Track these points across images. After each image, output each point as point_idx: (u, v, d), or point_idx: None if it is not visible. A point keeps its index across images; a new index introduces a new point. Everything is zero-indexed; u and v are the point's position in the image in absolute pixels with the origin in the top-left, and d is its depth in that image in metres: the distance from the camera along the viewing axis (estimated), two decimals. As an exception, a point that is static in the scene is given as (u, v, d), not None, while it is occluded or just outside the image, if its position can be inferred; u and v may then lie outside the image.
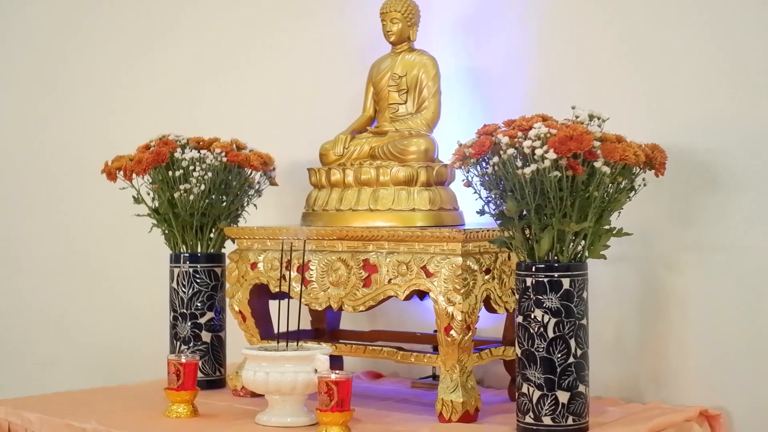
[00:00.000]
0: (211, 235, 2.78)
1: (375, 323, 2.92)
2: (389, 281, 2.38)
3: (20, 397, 2.69)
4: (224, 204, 2.76)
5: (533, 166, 2.03)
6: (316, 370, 2.22)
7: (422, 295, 2.59)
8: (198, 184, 2.67)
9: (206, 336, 2.76)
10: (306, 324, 2.77)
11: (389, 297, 2.41)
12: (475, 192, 2.17)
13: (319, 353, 2.28)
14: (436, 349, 2.46)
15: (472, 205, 2.28)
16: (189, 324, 2.76)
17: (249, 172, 2.79)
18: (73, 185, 3.65)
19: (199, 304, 2.76)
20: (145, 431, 2.24)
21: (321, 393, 2.14)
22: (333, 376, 2.15)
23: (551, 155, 2.01)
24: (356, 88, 2.77)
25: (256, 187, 2.83)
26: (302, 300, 2.49)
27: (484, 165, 2.13)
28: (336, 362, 2.53)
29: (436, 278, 2.30)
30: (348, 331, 2.84)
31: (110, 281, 3.55)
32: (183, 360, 2.42)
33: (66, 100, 3.71)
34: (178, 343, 2.76)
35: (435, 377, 2.73)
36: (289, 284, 2.50)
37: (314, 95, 3.10)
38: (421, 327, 2.77)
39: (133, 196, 2.79)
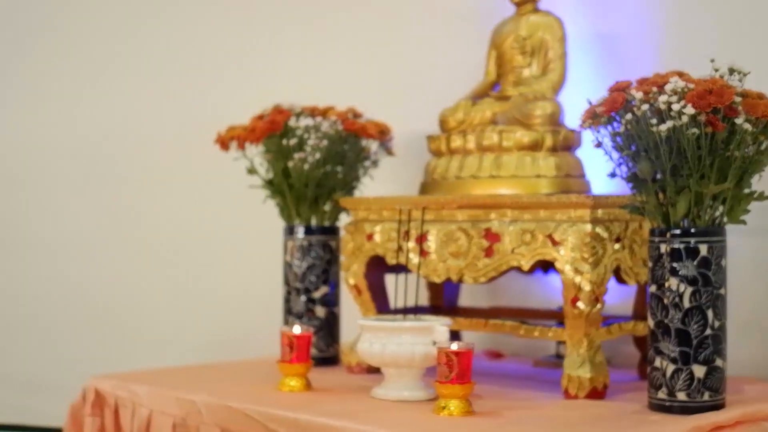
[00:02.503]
0: (326, 207, 2.69)
1: (496, 300, 2.81)
2: (512, 251, 2.26)
3: (128, 371, 2.63)
4: (339, 175, 2.67)
5: (669, 123, 1.90)
6: (434, 343, 2.11)
7: (546, 268, 2.48)
8: (313, 153, 2.59)
9: (320, 311, 2.68)
10: (424, 301, 2.68)
11: (512, 268, 2.29)
12: (606, 154, 2.04)
13: (438, 324, 2.18)
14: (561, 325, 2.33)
15: (599, 173, 2.16)
16: (303, 298, 2.68)
17: (365, 142, 2.69)
18: (187, 161, 3.60)
19: (313, 278, 2.67)
20: (257, 403, 2.15)
21: (440, 364, 2.03)
22: (453, 347, 2.03)
23: (689, 110, 1.88)
24: (477, 54, 2.65)
25: (373, 157, 2.73)
26: (420, 272, 2.39)
27: (615, 124, 2.00)
28: (454, 339, 2.42)
29: (563, 247, 2.18)
30: (467, 308, 2.73)
31: (222, 258, 3.49)
32: (296, 332, 2.34)
33: (175, 74, 3.66)
34: (292, 318, 2.68)
35: (559, 356, 2.61)
36: (407, 256, 2.40)
37: (433, 62, 2.98)
38: (544, 305, 2.65)
39: (247, 168, 2.71)
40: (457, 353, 2.02)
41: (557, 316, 2.47)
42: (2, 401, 3.82)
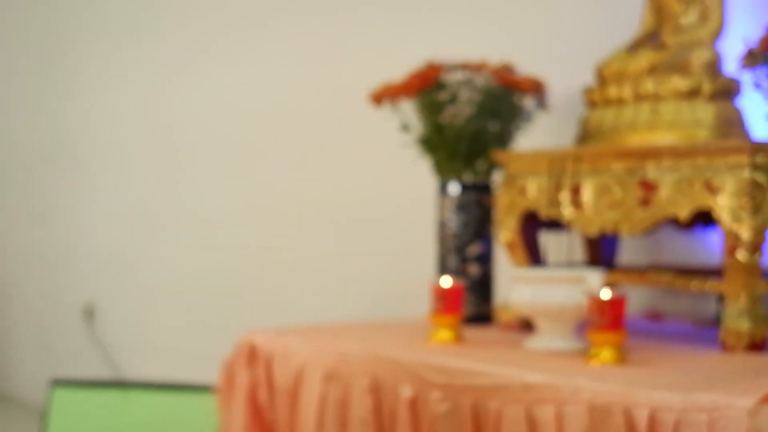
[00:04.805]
0: (480, 163, 2.66)
1: (655, 258, 2.74)
2: (669, 200, 2.20)
3: (280, 326, 2.65)
4: (493, 130, 2.64)
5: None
6: (587, 293, 2.07)
7: (706, 222, 2.40)
8: (466, 107, 2.56)
9: (474, 269, 2.65)
10: (580, 260, 2.63)
11: (669, 218, 2.23)
12: (765, 95, 1.96)
13: (592, 274, 2.13)
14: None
15: (760, 122, 2.08)
16: (456, 257, 2.65)
17: (519, 97, 2.65)
18: (337, 128, 3.62)
19: (467, 236, 2.65)
20: (408, 354, 2.14)
21: (592, 312, 1.99)
22: (605, 295, 1.99)
23: None
24: (634, 4, 2.59)
25: (527, 112, 2.69)
26: (575, 225, 2.34)
27: (775, 62, 1.93)
28: (608, 290, 2.37)
29: (721, 194, 2.10)
30: (624, 266, 2.67)
31: (375, 217, 3.50)
32: (446, 284, 2.32)
33: (326, 37, 3.68)
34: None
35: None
36: (562, 209, 2.36)
37: (589, 14, 2.92)
38: (704, 263, 2.57)
39: (401, 124, 2.71)
40: (609, 302, 1.98)
41: (719, 274, 2.39)
42: (162, 365, 3.92)
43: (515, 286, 2.21)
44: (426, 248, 2.90)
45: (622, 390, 1.73)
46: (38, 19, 5.37)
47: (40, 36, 5.35)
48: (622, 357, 1.97)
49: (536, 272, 2.20)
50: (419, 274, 2.97)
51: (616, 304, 1.98)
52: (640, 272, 2.36)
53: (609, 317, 1.97)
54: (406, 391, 2.07)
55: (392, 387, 2.12)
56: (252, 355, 2.49)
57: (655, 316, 2.72)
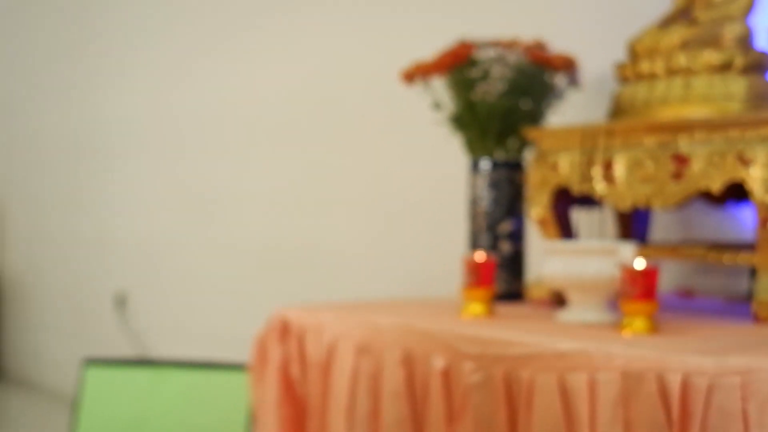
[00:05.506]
0: (511, 141, 2.66)
1: (686, 234, 2.74)
2: (702, 173, 2.20)
3: (314, 302, 2.67)
4: (525, 108, 2.64)
5: None
6: (620, 264, 2.07)
7: (739, 198, 2.40)
8: (497, 83, 2.57)
9: (506, 246, 2.65)
10: (612, 236, 2.64)
11: (701, 191, 2.23)
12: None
13: (625, 246, 2.14)
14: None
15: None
16: (488, 234, 2.66)
17: (551, 74, 2.65)
18: (374, 112, 3.64)
19: (498, 214, 2.65)
20: (440, 326, 2.15)
21: (625, 282, 1.99)
22: (638, 265, 1.99)
23: None
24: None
25: (558, 90, 2.69)
26: (607, 200, 2.34)
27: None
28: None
29: (753, 167, 2.10)
30: (656, 241, 2.67)
31: (406, 198, 3.52)
32: (478, 258, 2.33)
33: (363, 19, 3.69)
34: (477, 253, 2.67)
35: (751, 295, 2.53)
36: (594, 184, 2.36)
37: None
38: (737, 239, 2.57)
39: (433, 102, 2.71)
40: (642, 272, 1.98)
41: (750, 248, 2.39)
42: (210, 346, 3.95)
43: (548, 258, 2.22)
44: (458, 228, 2.91)
45: (655, 356, 1.74)
46: (68, 18, 5.42)
47: (70, 33, 5.39)
48: (655, 327, 1.97)
49: (569, 244, 2.20)
50: (451, 254, 2.97)
51: (649, 274, 1.98)
52: (672, 247, 2.36)
53: (642, 287, 1.97)
54: (439, 362, 2.08)
55: (424, 358, 2.13)
56: (284, 330, 2.50)
57: (687, 293, 2.72)
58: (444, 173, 3.16)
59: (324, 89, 3.83)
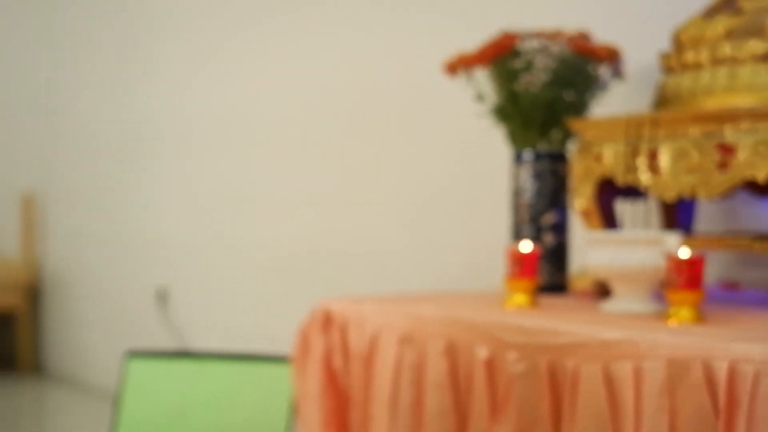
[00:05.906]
0: (554, 132, 2.65)
1: (731, 225, 2.72)
2: (747, 163, 2.18)
3: (356, 295, 2.67)
4: (568, 100, 2.63)
5: None
6: (666, 254, 2.06)
7: (785, 188, 2.39)
8: (540, 74, 2.56)
9: (549, 238, 2.64)
10: (657, 227, 2.62)
11: (747, 181, 2.21)
12: None
13: (670, 236, 2.12)
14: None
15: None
16: (531, 226, 2.65)
17: (595, 65, 2.64)
18: (408, 97, 3.63)
19: (541, 205, 2.64)
20: (484, 316, 2.14)
21: (671, 272, 1.98)
22: (684, 254, 1.97)
23: None
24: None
25: (602, 81, 2.68)
26: (652, 190, 2.33)
27: None
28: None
29: (800, 155, 2.09)
30: (701, 233, 2.65)
31: (443, 194, 3.51)
32: (522, 249, 2.32)
33: (399, 16, 3.69)
34: (520, 246, 2.66)
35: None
36: (639, 174, 2.35)
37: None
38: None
39: (475, 93, 2.71)
40: (688, 261, 1.97)
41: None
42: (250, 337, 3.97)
43: (592, 248, 2.21)
44: (496, 222, 2.89)
45: (701, 343, 1.72)
46: (114, 20, 5.46)
47: (117, 33, 5.43)
48: (701, 316, 1.96)
49: (614, 234, 2.19)
50: (490, 249, 2.97)
51: (695, 263, 1.97)
52: (717, 237, 2.35)
53: (687, 276, 1.96)
54: (482, 352, 2.08)
55: (468, 349, 2.13)
56: (327, 321, 2.50)
57: (732, 285, 2.70)
58: (482, 167, 3.15)
59: (358, 86, 3.83)
